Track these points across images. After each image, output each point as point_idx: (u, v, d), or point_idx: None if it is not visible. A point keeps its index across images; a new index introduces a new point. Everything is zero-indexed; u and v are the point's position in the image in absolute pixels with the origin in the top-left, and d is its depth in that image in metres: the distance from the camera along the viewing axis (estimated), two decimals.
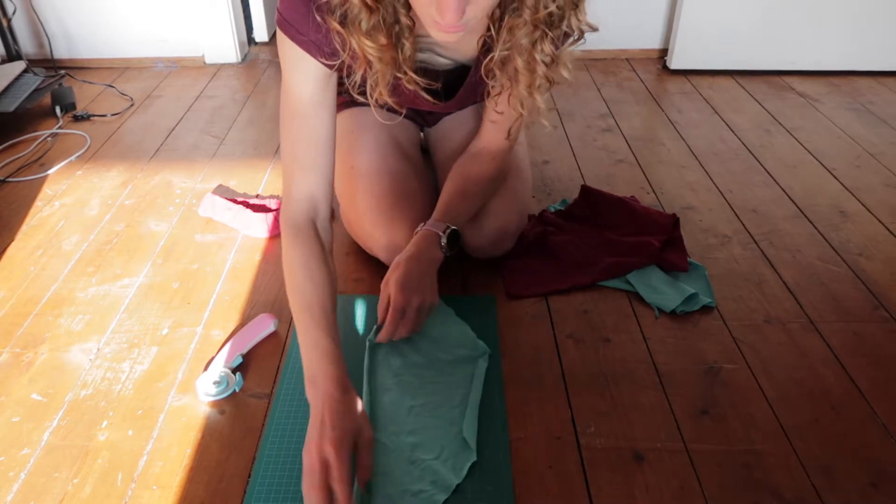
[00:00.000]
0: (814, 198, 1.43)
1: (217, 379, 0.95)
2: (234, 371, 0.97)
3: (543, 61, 0.86)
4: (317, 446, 0.75)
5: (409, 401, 0.92)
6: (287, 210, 0.95)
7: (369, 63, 0.85)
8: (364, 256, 1.21)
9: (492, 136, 1.10)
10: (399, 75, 0.88)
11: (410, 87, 0.90)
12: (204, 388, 0.94)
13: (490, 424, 0.90)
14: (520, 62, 0.86)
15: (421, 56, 0.96)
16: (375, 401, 0.92)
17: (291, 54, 0.88)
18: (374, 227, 1.12)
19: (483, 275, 1.18)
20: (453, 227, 1.04)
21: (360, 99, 0.91)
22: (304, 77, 0.90)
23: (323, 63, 0.88)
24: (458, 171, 1.11)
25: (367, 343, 1.00)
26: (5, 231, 1.32)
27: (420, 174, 1.20)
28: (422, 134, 1.38)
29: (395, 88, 0.91)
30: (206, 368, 0.99)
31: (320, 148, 0.94)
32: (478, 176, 1.10)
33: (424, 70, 0.96)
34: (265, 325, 1.04)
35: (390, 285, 0.98)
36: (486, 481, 0.82)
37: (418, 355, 0.99)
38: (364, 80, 0.88)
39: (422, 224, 1.05)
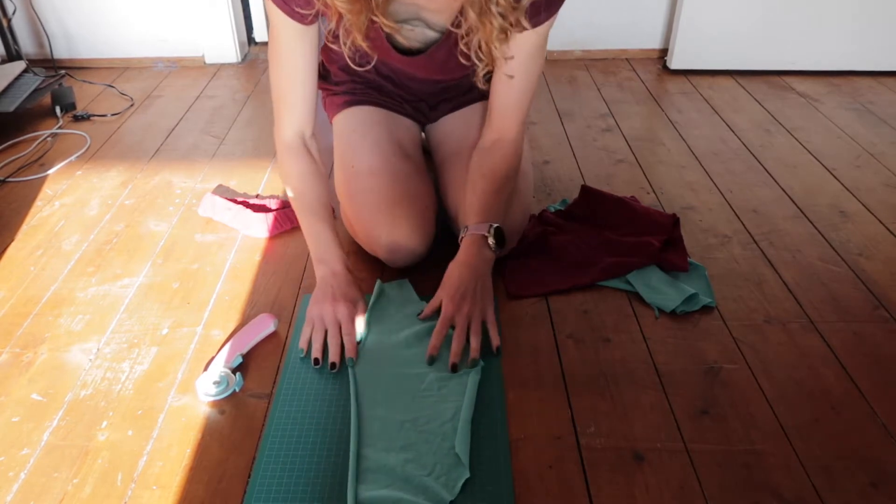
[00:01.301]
0: (814, 198, 1.43)
1: (217, 379, 0.95)
2: (234, 371, 0.97)
3: (500, 13, 0.89)
4: (332, 306, 0.99)
5: (400, 416, 0.90)
6: (279, 136, 1.09)
7: (340, 14, 0.92)
8: (364, 256, 1.21)
9: (505, 124, 1.11)
10: (374, 18, 0.93)
11: (387, 28, 0.96)
12: (204, 389, 0.94)
13: (490, 424, 0.90)
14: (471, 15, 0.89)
15: (402, 23, 1.01)
16: (364, 415, 0.90)
17: (269, 4, 0.97)
18: (375, 227, 1.12)
19: None
20: (496, 225, 1.05)
21: (333, 46, 1.01)
22: (282, 27, 0.99)
23: (297, 16, 0.96)
24: (481, 169, 1.11)
25: (351, 359, 0.98)
26: (5, 231, 1.32)
27: (421, 173, 1.20)
28: (423, 134, 1.38)
29: (369, 34, 0.96)
30: (205, 368, 0.99)
31: (300, 87, 1.05)
32: (506, 170, 1.10)
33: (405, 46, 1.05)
34: (265, 325, 1.04)
35: (441, 295, 1.01)
36: (486, 481, 0.82)
37: (409, 369, 0.97)
38: (338, 28, 0.96)
39: (464, 229, 1.06)
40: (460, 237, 1.07)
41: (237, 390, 0.95)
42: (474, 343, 0.97)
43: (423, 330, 1.03)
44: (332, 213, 1.09)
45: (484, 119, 1.19)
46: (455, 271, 1.02)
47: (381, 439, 0.87)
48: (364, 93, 1.25)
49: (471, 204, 1.09)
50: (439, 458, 0.84)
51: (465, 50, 0.98)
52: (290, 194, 1.10)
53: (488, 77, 1.06)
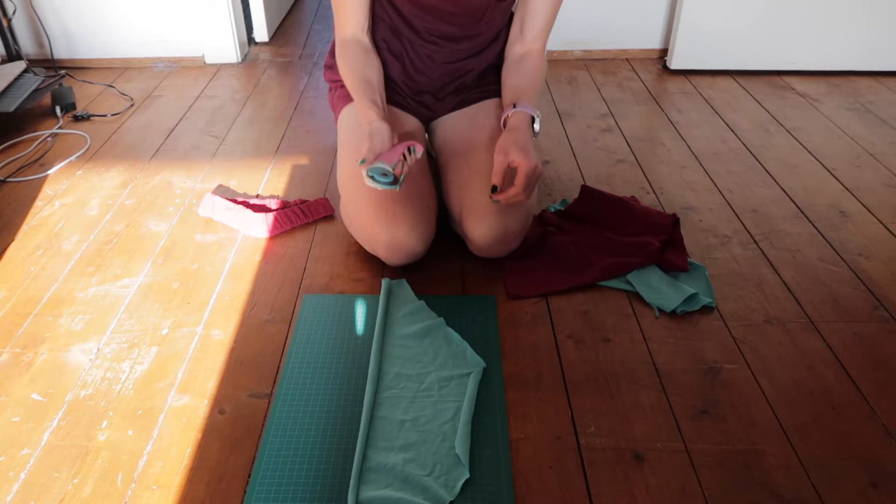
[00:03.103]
0: (814, 198, 1.43)
1: (386, 170, 1.01)
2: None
3: None
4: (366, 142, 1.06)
5: (401, 415, 0.91)
6: (337, 38, 1.22)
7: None
8: (364, 256, 1.21)
9: (534, 38, 1.23)
10: None
11: None
12: (378, 172, 1.01)
13: (490, 424, 0.90)
14: None
15: None
16: (365, 415, 0.90)
17: None
18: (374, 224, 1.12)
19: (483, 275, 1.18)
20: (538, 114, 1.16)
21: None
22: None
23: None
24: (518, 72, 1.23)
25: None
26: (5, 231, 1.32)
27: (424, 172, 1.21)
28: (426, 134, 1.39)
29: None
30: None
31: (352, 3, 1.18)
32: (539, 75, 1.23)
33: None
34: (414, 143, 1.08)
35: (510, 152, 1.08)
36: (486, 481, 0.82)
37: (410, 369, 0.98)
38: None
39: (511, 107, 1.16)
40: (508, 114, 1.17)
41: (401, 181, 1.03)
42: (531, 195, 1.12)
43: (423, 330, 1.03)
44: (376, 85, 1.16)
45: (489, 118, 1.23)
46: (514, 133, 1.12)
47: (382, 439, 0.87)
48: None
49: (517, 89, 1.20)
50: (439, 459, 0.84)
51: None
52: (344, 77, 1.19)
53: None
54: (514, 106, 1.16)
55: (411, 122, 1.28)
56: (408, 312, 1.08)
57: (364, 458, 0.84)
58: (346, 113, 1.27)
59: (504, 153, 1.08)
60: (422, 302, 1.09)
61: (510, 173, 1.09)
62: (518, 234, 1.17)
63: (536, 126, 1.15)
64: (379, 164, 1.02)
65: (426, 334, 1.03)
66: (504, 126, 1.17)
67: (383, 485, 0.81)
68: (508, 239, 1.15)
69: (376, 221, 1.12)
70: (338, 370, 0.98)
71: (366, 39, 1.21)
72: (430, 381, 0.96)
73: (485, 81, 1.29)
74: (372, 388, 0.94)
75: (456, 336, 1.03)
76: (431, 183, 1.22)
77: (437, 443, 0.86)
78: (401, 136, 1.21)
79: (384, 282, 1.13)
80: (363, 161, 1.03)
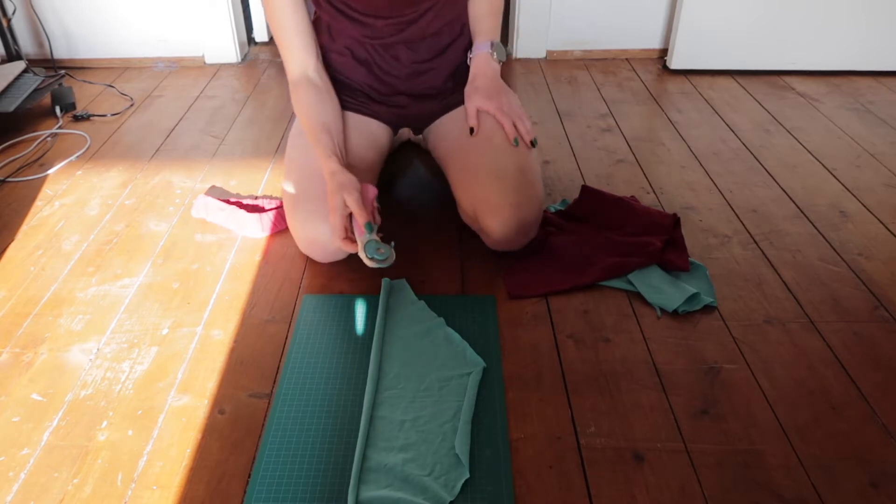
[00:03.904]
0: (814, 198, 1.43)
1: (380, 247, 1.03)
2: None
3: None
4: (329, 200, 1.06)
5: (401, 415, 0.90)
6: (288, 77, 1.23)
7: None
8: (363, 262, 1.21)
9: None
10: None
11: None
12: (369, 254, 1.02)
13: (490, 424, 0.90)
14: None
15: None
16: (365, 415, 0.90)
17: None
18: (292, 220, 1.17)
19: (483, 275, 1.18)
20: (495, 41, 1.23)
21: None
22: None
23: None
24: (476, 3, 1.25)
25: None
26: (5, 231, 1.32)
27: (361, 173, 1.19)
28: (420, 136, 1.39)
29: None
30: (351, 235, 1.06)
31: (293, 31, 1.18)
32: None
33: None
34: (371, 191, 1.09)
35: (475, 100, 1.19)
36: (486, 481, 0.82)
37: (410, 369, 0.98)
38: None
39: (469, 52, 1.25)
40: (468, 59, 1.25)
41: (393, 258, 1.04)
42: (527, 125, 1.19)
43: (423, 330, 1.03)
44: (334, 132, 1.16)
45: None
46: (476, 82, 1.22)
47: (382, 439, 0.87)
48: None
49: (476, 19, 1.25)
50: (439, 459, 0.84)
51: None
52: (300, 120, 1.20)
53: None
54: (473, 49, 1.24)
55: (376, 129, 1.29)
56: (408, 313, 1.08)
57: (364, 457, 0.84)
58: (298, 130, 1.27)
59: (472, 101, 1.20)
60: (422, 302, 1.09)
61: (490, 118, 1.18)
62: (534, 225, 1.17)
63: (495, 56, 1.23)
64: (372, 240, 1.04)
65: (426, 334, 1.03)
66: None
67: (383, 485, 0.81)
68: (526, 230, 1.16)
69: (293, 218, 1.16)
70: (338, 370, 0.98)
71: (316, 76, 1.21)
72: (430, 381, 0.95)
73: (463, 83, 1.29)
74: (372, 387, 0.94)
75: (456, 336, 1.03)
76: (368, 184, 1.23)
77: (437, 443, 0.86)
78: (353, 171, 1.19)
79: (384, 282, 1.13)
80: (370, 226, 1.05)
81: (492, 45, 1.23)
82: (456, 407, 0.91)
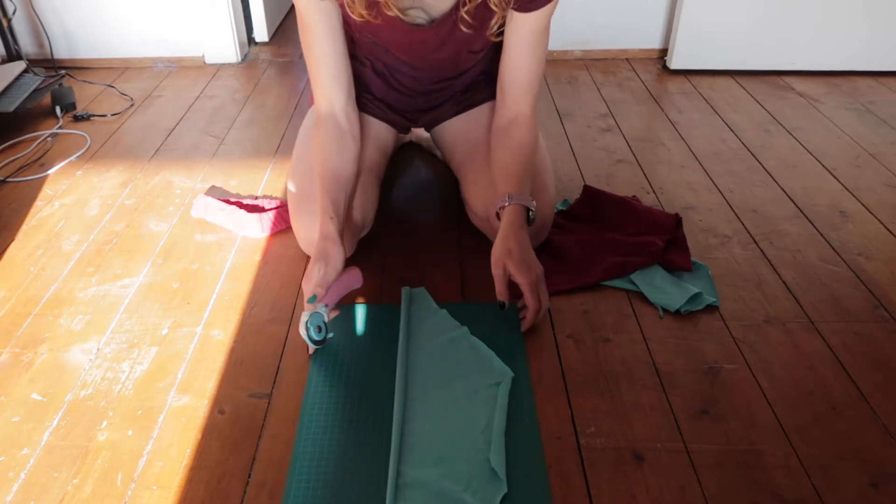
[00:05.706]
0: (814, 198, 1.43)
1: (320, 324, 0.97)
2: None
3: None
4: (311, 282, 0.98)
5: (431, 428, 0.88)
6: (316, 108, 1.15)
7: None
8: (364, 256, 1.21)
9: (519, 102, 1.14)
10: None
11: (389, 13, 1.01)
12: (308, 333, 0.96)
13: (523, 436, 0.88)
14: None
15: (403, 10, 1.04)
16: (395, 429, 0.88)
17: None
18: (295, 220, 1.17)
19: (483, 279, 1.18)
20: (531, 198, 1.08)
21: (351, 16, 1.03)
22: (304, 5, 1.05)
23: None
24: (506, 145, 1.14)
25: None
26: (5, 231, 1.32)
27: (365, 174, 1.19)
28: (428, 134, 1.39)
29: (372, 6, 1.01)
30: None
31: (324, 63, 1.10)
32: (529, 145, 1.14)
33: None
34: (354, 280, 1.04)
35: (508, 265, 1.02)
36: (523, 496, 0.80)
37: (436, 380, 0.95)
38: None
39: (506, 198, 1.07)
40: (501, 206, 1.07)
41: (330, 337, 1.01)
42: (545, 310, 1.04)
43: (447, 340, 1.02)
44: (343, 182, 1.08)
45: (491, 119, 1.21)
46: (509, 243, 1.03)
47: (414, 453, 0.85)
48: None
49: (504, 175, 1.11)
50: (475, 472, 0.82)
51: (467, 18, 1.02)
52: (315, 166, 1.12)
53: (499, 32, 1.08)
54: (509, 198, 1.06)
55: (384, 132, 1.29)
56: (431, 322, 1.06)
57: (399, 473, 0.82)
58: (312, 111, 1.26)
59: (501, 267, 1.02)
60: (444, 311, 1.07)
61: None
62: (547, 227, 1.19)
63: (532, 212, 1.08)
64: (321, 312, 0.97)
65: (451, 344, 1.01)
66: (497, 218, 1.09)
67: (419, 501, 0.79)
68: (543, 231, 1.18)
69: (296, 218, 1.16)
70: (362, 383, 0.96)
71: (343, 116, 1.13)
72: (457, 392, 0.93)
73: (480, 86, 1.29)
74: (401, 400, 0.92)
75: (482, 345, 1.01)
76: (373, 186, 1.22)
77: (471, 455, 0.84)
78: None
79: (404, 290, 1.11)
80: (313, 298, 0.97)
81: (532, 203, 1.08)
82: (487, 418, 0.89)
